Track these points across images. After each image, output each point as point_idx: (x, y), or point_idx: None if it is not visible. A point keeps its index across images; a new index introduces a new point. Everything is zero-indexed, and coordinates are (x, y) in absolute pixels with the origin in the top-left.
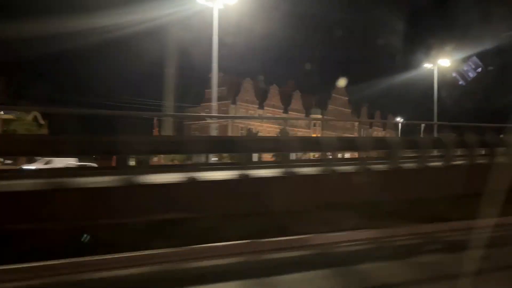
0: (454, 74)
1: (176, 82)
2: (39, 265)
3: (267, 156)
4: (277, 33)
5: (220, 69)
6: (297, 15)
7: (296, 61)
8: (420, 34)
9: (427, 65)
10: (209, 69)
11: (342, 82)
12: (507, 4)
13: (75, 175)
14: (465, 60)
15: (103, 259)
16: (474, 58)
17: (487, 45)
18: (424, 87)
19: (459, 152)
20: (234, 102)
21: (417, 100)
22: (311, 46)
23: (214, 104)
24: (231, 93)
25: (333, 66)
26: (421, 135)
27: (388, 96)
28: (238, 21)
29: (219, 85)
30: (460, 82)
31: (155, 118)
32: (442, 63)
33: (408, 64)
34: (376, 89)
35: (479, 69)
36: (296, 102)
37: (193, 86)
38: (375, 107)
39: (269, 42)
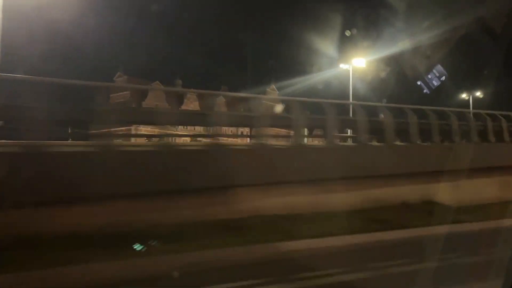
0: (419, 83)
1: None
2: None
3: None
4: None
5: (125, 71)
6: (216, 16)
7: (225, 65)
8: (341, 35)
9: (342, 66)
10: (113, 73)
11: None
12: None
13: None
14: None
15: None
16: (439, 67)
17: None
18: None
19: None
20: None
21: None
22: (238, 48)
23: None
24: (136, 97)
25: (263, 68)
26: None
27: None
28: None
29: (122, 89)
30: (425, 91)
31: None
32: (356, 63)
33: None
34: (309, 92)
35: (443, 77)
36: (221, 107)
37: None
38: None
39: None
